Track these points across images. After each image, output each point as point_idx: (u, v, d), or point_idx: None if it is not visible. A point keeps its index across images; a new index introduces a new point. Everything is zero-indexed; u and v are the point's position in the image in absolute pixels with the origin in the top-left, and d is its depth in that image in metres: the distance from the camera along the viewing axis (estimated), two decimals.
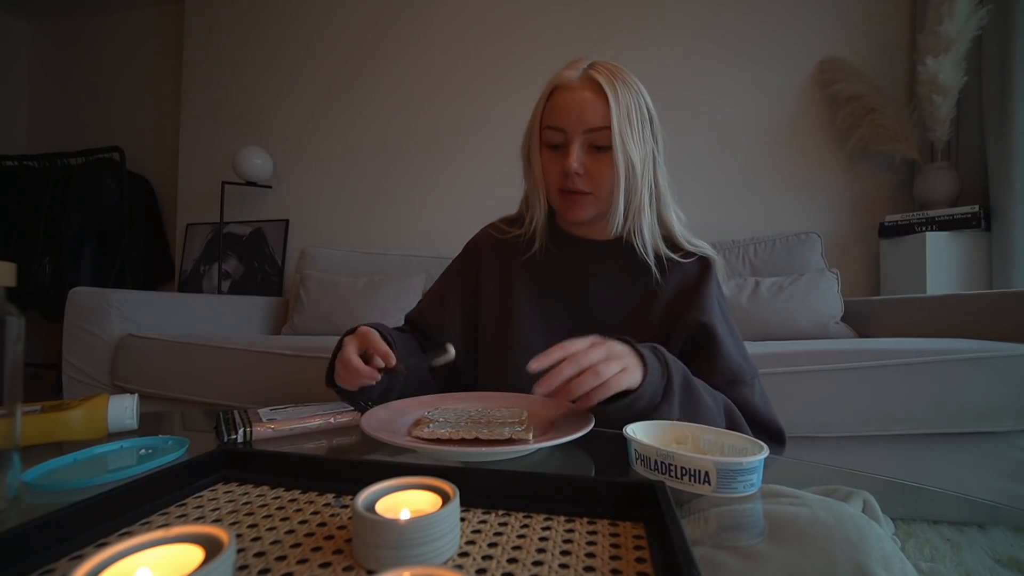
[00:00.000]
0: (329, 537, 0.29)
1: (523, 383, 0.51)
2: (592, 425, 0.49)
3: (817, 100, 1.98)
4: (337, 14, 2.49)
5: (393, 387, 0.67)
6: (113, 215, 2.59)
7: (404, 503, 0.29)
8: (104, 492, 0.31)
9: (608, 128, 0.65)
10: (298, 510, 0.33)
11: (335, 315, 1.86)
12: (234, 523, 0.32)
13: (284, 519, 0.32)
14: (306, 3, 2.54)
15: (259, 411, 0.60)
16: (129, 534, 0.30)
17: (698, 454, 0.40)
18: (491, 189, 2.24)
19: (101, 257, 2.62)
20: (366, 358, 0.62)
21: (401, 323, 0.85)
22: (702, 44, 2.08)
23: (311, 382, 1.24)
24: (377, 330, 0.65)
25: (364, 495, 0.28)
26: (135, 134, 2.93)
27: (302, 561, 0.27)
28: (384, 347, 0.61)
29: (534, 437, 0.47)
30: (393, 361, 0.60)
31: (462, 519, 0.32)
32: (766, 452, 0.40)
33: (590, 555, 0.27)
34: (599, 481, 0.36)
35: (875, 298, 1.60)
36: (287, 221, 2.49)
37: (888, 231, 1.78)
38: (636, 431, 0.45)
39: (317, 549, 0.28)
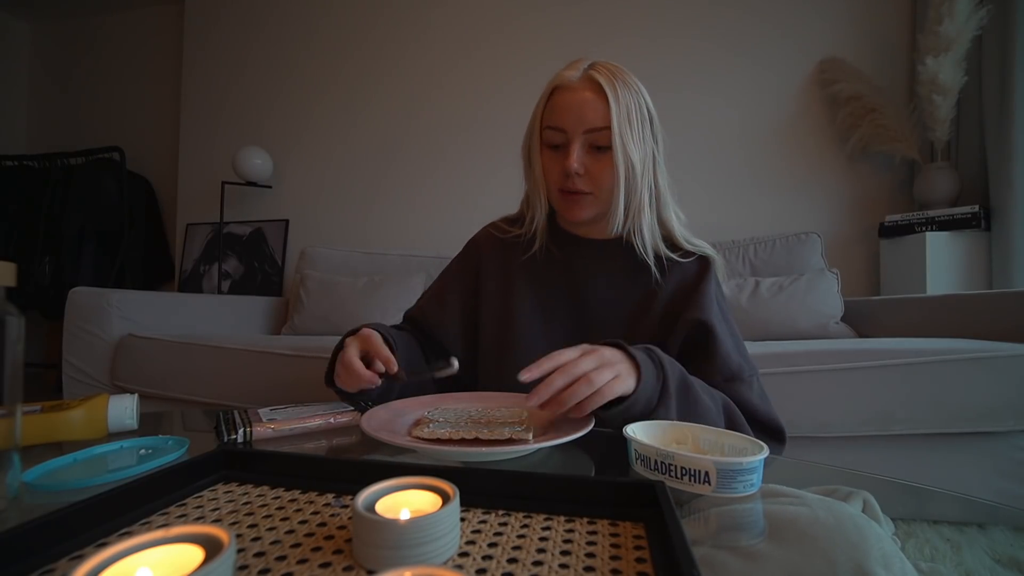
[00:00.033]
0: (329, 537, 0.29)
1: (523, 383, 0.51)
2: (592, 425, 0.50)
3: (817, 100, 1.98)
4: (337, 14, 2.49)
5: (392, 388, 0.67)
6: (113, 215, 2.58)
7: (404, 503, 0.29)
8: (104, 492, 0.31)
9: (608, 128, 0.65)
10: (298, 510, 0.33)
11: (335, 315, 1.86)
12: (234, 523, 0.32)
13: (284, 519, 0.32)
14: (306, 3, 2.54)
15: (259, 411, 0.60)
16: (129, 534, 0.30)
17: (698, 454, 0.40)
18: (491, 189, 2.24)
19: (101, 257, 2.62)
20: (367, 361, 0.62)
21: (400, 321, 0.85)
22: (702, 44, 2.08)
23: (311, 382, 1.24)
24: (379, 332, 0.65)
25: (364, 495, 0.28)
26: (135, 134, 2.93)
27: (302, 561, 0.27)
28: (386, 352, 0.61)
29: (534, 437, 0.47)
30: (395, 368, 0.60)
31: (462, 519, 0.32)
32: (766, 452, 0.40)
33: (590, 555, 0.27)
34: (599, 481, 0.36)
35: (875, 298, 1.60)
36: (287, 221, 2.49)
37: (888, 231, 1.78)
38: (636, 431, 0.45)
39: (317, 549, 0.28)
